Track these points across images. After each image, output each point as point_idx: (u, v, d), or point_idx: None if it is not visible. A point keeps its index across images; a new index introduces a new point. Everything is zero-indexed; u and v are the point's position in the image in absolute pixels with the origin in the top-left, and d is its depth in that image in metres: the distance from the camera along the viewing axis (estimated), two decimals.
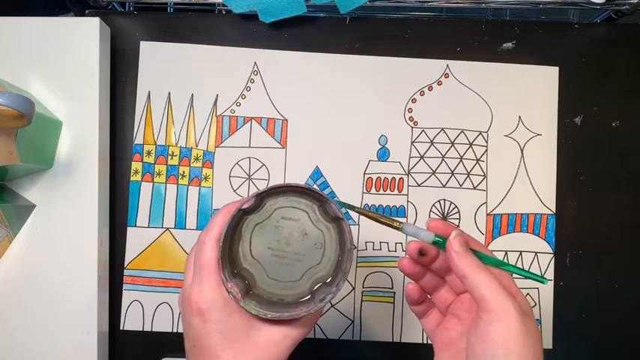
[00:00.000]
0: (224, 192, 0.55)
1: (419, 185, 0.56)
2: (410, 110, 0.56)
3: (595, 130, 0.57)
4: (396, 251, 0.56)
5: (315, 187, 0.36)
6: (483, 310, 0.33)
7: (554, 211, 0.56)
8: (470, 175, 0.56)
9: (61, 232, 0.50)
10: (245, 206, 0.35)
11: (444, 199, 0.56)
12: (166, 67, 0.56)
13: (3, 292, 0.50)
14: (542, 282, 0.36)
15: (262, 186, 0.56)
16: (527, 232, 0.56)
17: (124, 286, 0.55)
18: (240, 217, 0.36)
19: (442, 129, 0.57)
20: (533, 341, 0.32)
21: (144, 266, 0.55)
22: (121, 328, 0.55)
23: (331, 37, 0.57)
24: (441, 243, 0.36)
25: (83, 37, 0.51)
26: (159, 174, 0.55)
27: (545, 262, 0.56)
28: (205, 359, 0.35)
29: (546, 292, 0.56)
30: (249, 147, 0.56)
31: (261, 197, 0.36)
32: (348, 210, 0.37)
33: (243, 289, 0.35)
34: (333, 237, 0.37)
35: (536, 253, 0.56)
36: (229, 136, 0.56)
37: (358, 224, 0.55)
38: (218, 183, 0.56)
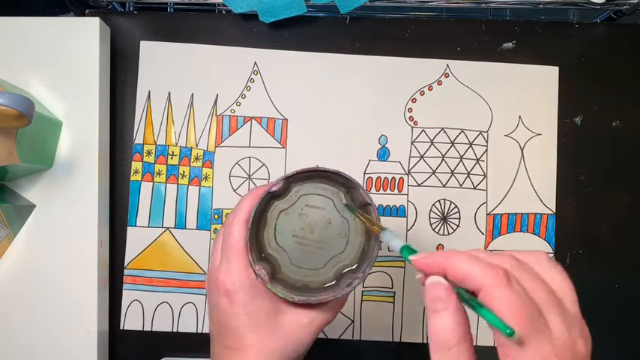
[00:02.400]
0: (224, 192, 0.55)
1: (419, 185, 0.56)
2: (410, 110, 0.56)
3: (595, 130, 0.57)
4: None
5: (344, 171, 0.35)
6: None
7: (554, 211, 0.56)
8: (470, 175, 0.56)
9: (61, 232, 0.50)
10: (274, 189, 0.35)
11: (444, 199, 0.56)
12: (166, 67, 0.56)
13: (3, 292, 0.50)
14: (506, 333, 0.23)
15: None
16: (527, 231, 0.56)
17: (124, 286, 0.55)
18: (267, 201, 0.36)
19: (442, 129, 0.57)
20: None
21: (144, 266, 0.55)
22: (121, 327, 0.55)
23: (331, 37, 0.57)
24: (405, 253, 0.30)
25: (83, 37, 0.51)
26: (159, 174, 0.55)
27: None
28: (231, 341, 0.35)
29: None
30: (249, 147, 0.56)
31: (289, 182, 0.36)
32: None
33: (269, 273, 0.35)
34: (359, 225, 0.36)
35: None
36: (229, 135, 0.56)
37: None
38: (218, 183, 0.56)
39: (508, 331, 0.23)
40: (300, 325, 0.35)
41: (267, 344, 0.35)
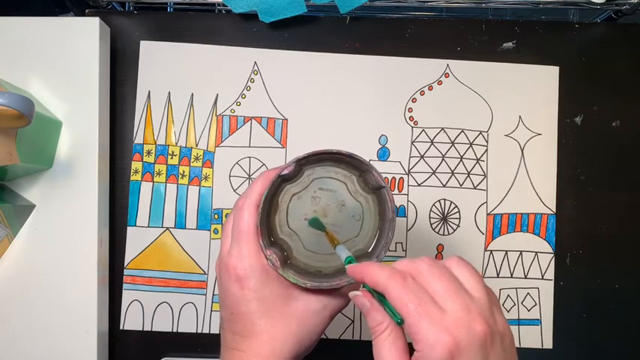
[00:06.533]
0: (224, 192, 0.55)
1: (419, 185, 0.56)
2: (410, 110, 0.56)
3: (595, 130, 0.57)
4: (396, 251, 0.56)
5: (356, 154, 0.34)
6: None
7: (554, 210, 0.56)
8: (470, 175, 0.56)
9: (61, 232, 0.50)
10: (285, 172, 0.34)
11: (444, 199, 0.56)
12: (166, 66, 0.56)
13: (3, 292, 0.50)
14: (396, 321, 0.30)
15: None
16: (527, 231, 0.56)
17: (124, 286, 0.55)
18: (278, 184, 0.35)
19: (442, 129, 0.57)
20: None
21: (144, 266, 0.55)
22: (121, 327, 0.55)
23: (331, 37, 0.56)
24: (346, 262, 0.34)
25: (83, 37, 0.51)
26: (159, 173, 0.55)
27: (545, 262, 0.56)
28: (242, 326, 0.35)
29: (546, 292, 0.56)
30: (249, 147, 0.56)
31: (300, 165, 0.35)
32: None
33: (281, 258, 0.34)
34: (372, 209, 0.36)
35: (536, 253, 0.56)
36: (229, 135, 0.56)
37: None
38: (218, 182, 0.56)
39: (398, 320, 0.29)
40: (312, 311, 0.35)
41: (278, 330, 0.34)
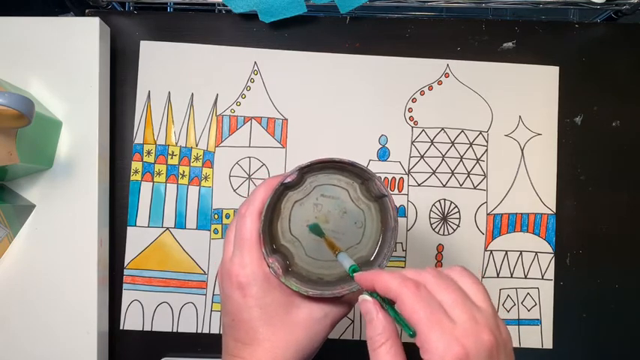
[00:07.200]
0: (224, 192, 0.55)
1: (419, 185, 0.56)
2: (410, 110, 0.56)
3: (595, 130, 0.57)
4: (396, 251, 0.56)
5: (358, 162, 0.34)
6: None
7: (554, 210, 0.56)
8: (470, 175, 0.56)
9: (61, 232, 0.50)
10: (287, 180, 0.34)
11: (444, 199, 0.56)
12: (166, 66, 0.56)
13: (3, 292, 0.50)
14: (409, 334, 0.29)
15: None
16: (527, 231, 0.56)
17: (124, 286, 0.55)
18: (280, 192, 0.35)
19: (442, 129, 0.57)
20: None
21: (144, 266, 0.55)
22: (121, 327, 0.55)
23: (331, 37, 0.56)
24: (350, 271, 0.34)
25: (83, 37, 0.51)
26: (159, 173, 0.55)
27: (545, 262, 0.56)
28: (244, 333, 0.35)
29: (546, 292, 0.56)
30: (249, 147, 0.56)
31: (302, 173, 0.35)
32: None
33: (283, 266, 0.34)
34: (375, 216, 0.36)
35: (536, 253, 0.56)
36: (229, 135, 0.56)
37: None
38: (218, 183, 0.56)
39: (410, 333, 0.29)
40: (314, 319, 0.35)
41: (280, 338, 0.34)
